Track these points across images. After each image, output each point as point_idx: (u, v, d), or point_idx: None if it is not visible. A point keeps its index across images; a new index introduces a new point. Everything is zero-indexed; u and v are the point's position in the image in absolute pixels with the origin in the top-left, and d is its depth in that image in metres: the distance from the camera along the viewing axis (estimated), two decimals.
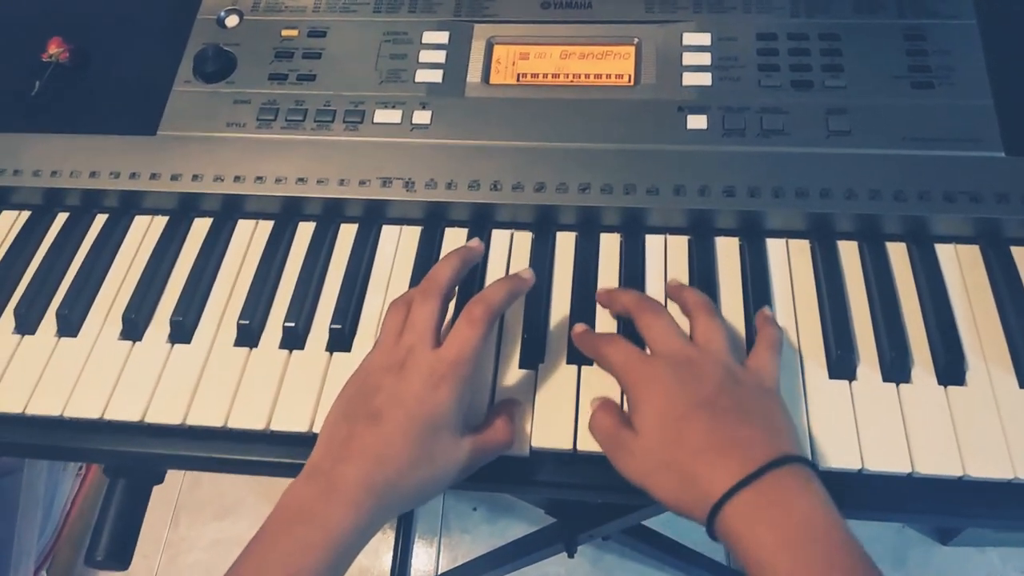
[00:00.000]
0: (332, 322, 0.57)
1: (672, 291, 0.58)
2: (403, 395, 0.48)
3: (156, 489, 0.61)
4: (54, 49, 0.68)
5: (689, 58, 0.65)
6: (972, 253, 0.59)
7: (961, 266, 0.58)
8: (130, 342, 0.58)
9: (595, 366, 0.55)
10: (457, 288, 0.56)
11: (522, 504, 1.32)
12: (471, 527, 1.38)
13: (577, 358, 0.55)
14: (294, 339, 0.57)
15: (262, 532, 0.45)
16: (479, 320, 0.50)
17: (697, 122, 0.62)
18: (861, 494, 0.51)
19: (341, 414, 0.49)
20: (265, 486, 1.41)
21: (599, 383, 0.54)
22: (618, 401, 0.53)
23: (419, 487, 0.47)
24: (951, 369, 0.53)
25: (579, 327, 0.55)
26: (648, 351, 0.52)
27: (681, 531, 1.18)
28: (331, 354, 0.57)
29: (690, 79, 0.64)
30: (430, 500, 0.49)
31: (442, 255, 0.61)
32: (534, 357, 0.56)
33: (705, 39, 0.65)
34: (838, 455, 0.50)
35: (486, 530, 1.37)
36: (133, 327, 0.58)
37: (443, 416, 0.48)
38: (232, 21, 0.70)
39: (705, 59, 0.64)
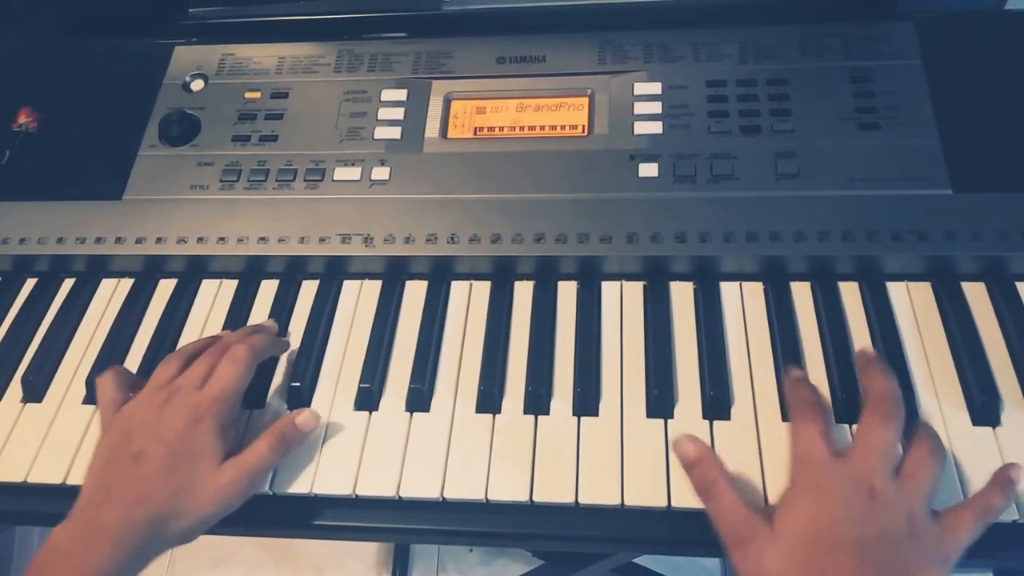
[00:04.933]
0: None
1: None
2: (164, 432, 0.50)
3: None
4: (23, 119, 0.70)
5: (640, 107, 0.66)
6: (923, 290, 0.59)
7: (912, 303, 0.59)
8: (94, 407, 0.59)
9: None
10: None
11: None
12: (467, 569, 1.37)
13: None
14: None
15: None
16: (242, 360, 0.54)
17: (648, 170, 0.63)
18: None
19: (103, 460, 0.51)
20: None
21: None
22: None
23: (186, 518, 0.49)
24: None
25: (798, 373, 0.54)
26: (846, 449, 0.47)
27: (677, 566, 1.16)
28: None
29: (641, 128, 0.65)
30: (209, 526, 0.50)
31: (402, 308, 0.62)
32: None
33: (656, 88, 0.67)
34: None
35: (482, 572, 1.36)
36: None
37: (203, 448, 0.50)
38: (197, 85, 0.72)
39: (656, 108, 0.66)
